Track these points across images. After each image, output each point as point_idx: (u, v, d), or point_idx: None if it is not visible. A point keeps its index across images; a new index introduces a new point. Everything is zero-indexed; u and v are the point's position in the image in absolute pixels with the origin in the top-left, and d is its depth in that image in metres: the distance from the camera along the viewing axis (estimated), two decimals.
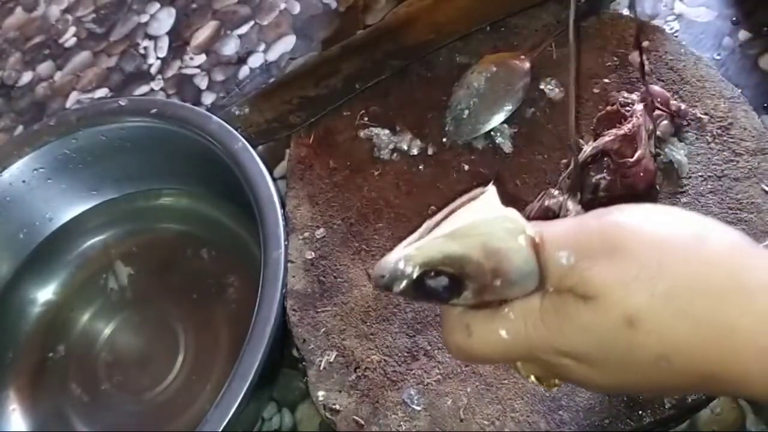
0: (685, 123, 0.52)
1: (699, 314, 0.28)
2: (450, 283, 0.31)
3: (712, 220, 0.31)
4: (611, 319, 0.29)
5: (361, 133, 0.59)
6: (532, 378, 0.35)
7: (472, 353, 0.33)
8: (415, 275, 0.30)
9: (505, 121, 0.56)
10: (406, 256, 0.31)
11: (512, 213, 0.31)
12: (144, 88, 0.73)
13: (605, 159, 0.48)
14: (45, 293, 0.63)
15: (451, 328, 0.33)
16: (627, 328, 0.29)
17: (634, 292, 0.29)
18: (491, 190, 0.33)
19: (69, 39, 0.79)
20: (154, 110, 0.59)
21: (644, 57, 0.51)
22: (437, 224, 0.32)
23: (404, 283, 0.31)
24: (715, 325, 0.28)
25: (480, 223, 0.31)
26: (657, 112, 0.50)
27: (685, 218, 0.31)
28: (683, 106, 0.52)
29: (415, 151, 0.57)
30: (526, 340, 0.31)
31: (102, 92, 0.74)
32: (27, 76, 0.78)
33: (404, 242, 0.32)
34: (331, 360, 0.50)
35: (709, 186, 0.50)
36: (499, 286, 0.31)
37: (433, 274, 0.30)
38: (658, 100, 0.50)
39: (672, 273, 0.29)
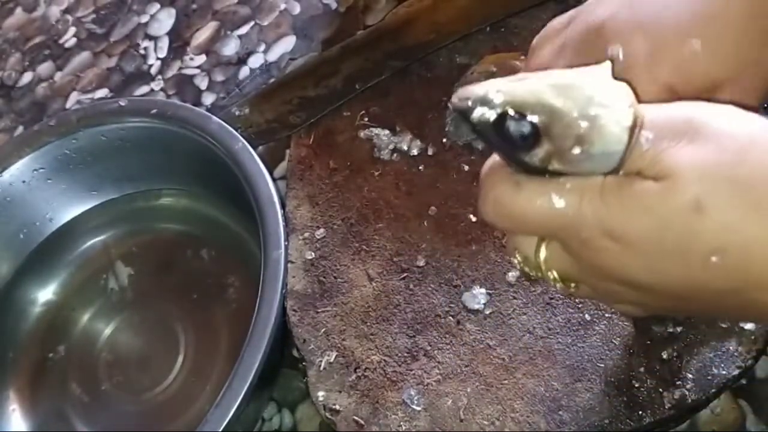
0: None
1: None
2: (529, 134, 0.28)
3: None
4: (679, 201, 0.28)
5: (361, 134, 0.59)
6: (554, 274, 0.33)
7: (512, 210, 0.31)
8: (500, 109, 0.28)
9: None
10: (500, 87, 0.28)
11: (626, 88, 0.29)
12: (144, 89, 0.73)
13: None
14: (45, 293, 0.63)
15: (495, 181, 0.31)
16: (692, 213, 0.28)
17: (711, 176, 0.28)
18: (607, 63, 0.30)
19: (69, 39, 0.79)
20: (154, 111, 0.59)
21: None
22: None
23: (486, 112, 0.28)
24: None
25: (590, 84, 0.28)
26: None
27: None
28: None
29: (415, 152, 0.57)
30: (576, 212, 0.29)
31: (102, 93, 0.74)
32: (27, 77, 0.78)
33: (499, 79, 0.29)
34: (331, 360, 0.50)
35: None
36: (574, 156, 0.28)
37: (518, 116, 0.28)
38: None
39: (752, 164, 0.28)
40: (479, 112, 0.28)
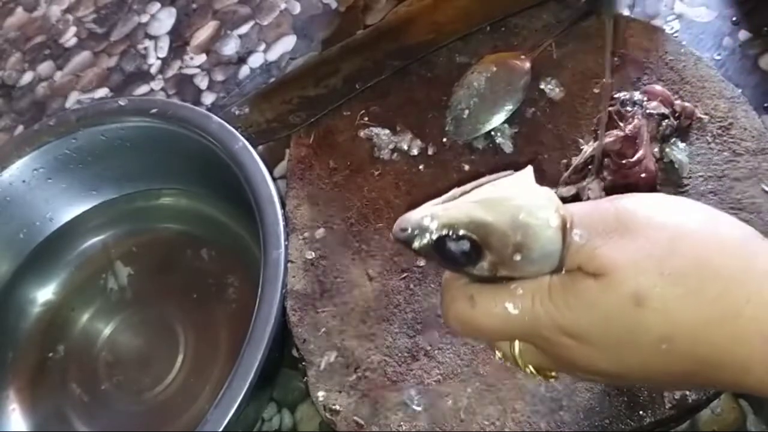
0: (689, 123, 0.52)
1: (707, 297, 0.28)
2: (470, 250, 0.30)
3: (723, 212, 0.31)
4: (619, 296, 0.29)
5: (361, 133, 0.59)
6: (530, 368, 0.35)
7: (472, 325, 0.32)
8: (437, 234, 0.30)
9: (505, 121, 0.56)
10: (433, 213, 0.30)
11: (549, 191, 0.31)
12: (144, 88, 0.73)
13: (606, 159, 0.48)
14: (45, 293, 0.63)
15: (453, 298, 0.33)
16: (634, 306, 0.29)
17: (643, 271, 0.29)
18: (529, 169, 0.32)
19: (69, 39, 0.79)
20: (154, 110, 0.59)
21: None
22: (464, 193, 0.32)
23: (425, 239, 0.30)
24: (722, 308, 0.28)
25: (514, 195, 0.30)
26: (661, 110, 0.50)
27: (698, 206, 0.31)
28: (688, 105, 0.52)
29: (415, 151, 0.57)
30: (531, 316, 0.31)
31: (102, 92, 0.74)
32: (27, 76, 0.78)
33: (429, 203, 0.32)
34: (331, 360, 0.50)
35: (709, 186, 0.50)
36: (517, 262, 0.30)
37: (455, 237, 0.30)
38: (660, 99, 0.50)
39: (683, 254, 0.29)
40: (419, 240, 0.31)
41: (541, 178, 0.30)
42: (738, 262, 0.29)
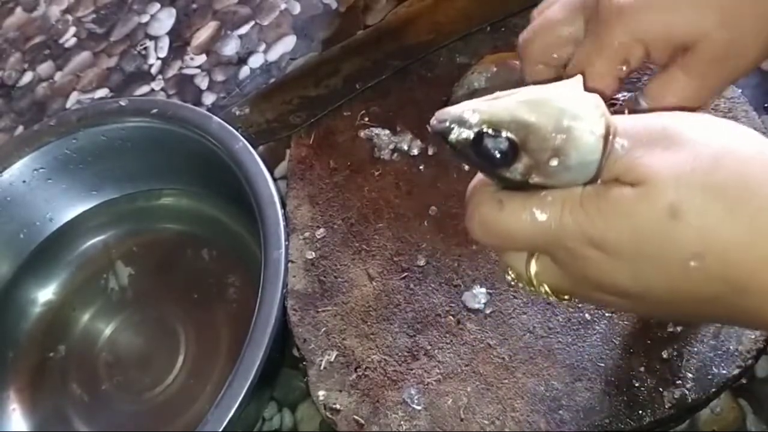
0: None
1: (744, 216, 0.28)
2: (507, 149, 0.29)
3: None
4: (655, 207, 0.28)
5: (362, 133, 0.59)
6: (545, 288, 0.33)
7: (497, 229, 0.31)
8: (477, 128, 0.29)
9: None
10: (476, 107, 0.29)
11: (597, 98, 0.30)
12: (144, 89, 0.73)
13: None
14: (45, 293, 0.63)
15: (479, 201, 0.32)
16: (669, 219, 0.28)
17: (684, 184, 0.28)
18: (578, 77, 0.31)
19: (69, 39, 0.79)
20: (154, 110, 0.59)
21: None
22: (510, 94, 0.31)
23: (464, 132, 0.29)
24: (757, 230, 0.28)
25: (561, 97, 0.29)
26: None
27: (746, 129, 0.30)
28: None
29: (415, 151, 0.58)
30: (558, 224, 0.30)
31: (102, 92, 0.74)
32: (27, 77, 0.78)
33: (475, 100, 0.30)
34: (332, 360, 0.50)
35: None
36: (553, 168, 0.29)
37: (494, 134, 0.29)
38: None
39: (726, 171, 0.28)
40: (457, 133, 0.30)
41: None
42: None
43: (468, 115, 0.29)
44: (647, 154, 0.29)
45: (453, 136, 0.30)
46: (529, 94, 0.30)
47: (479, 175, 0.33)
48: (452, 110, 0.30)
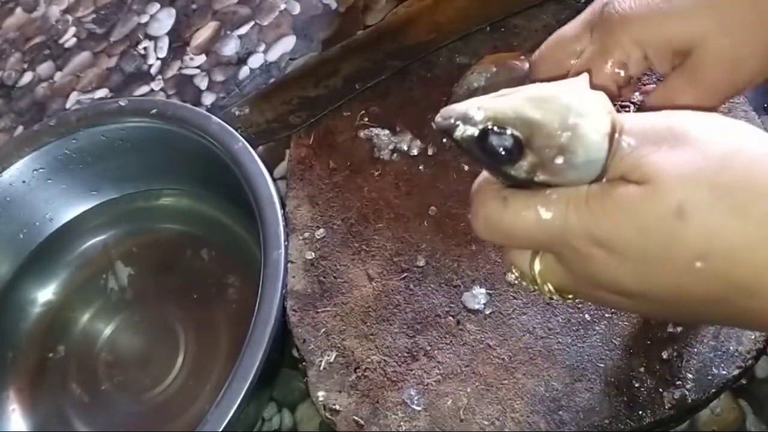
0: None
1: (750, 216, 0.28)
2: (512, 146, 0.29)
3: None
4: (661, 206, 0.28)
5: (361, 134, 0.59)
6: (549, 287, 0.33)
7: (501, 226, 0.31)
8: (482, 125, 0.29)
9: None
10: (481, 104, 0.29)
11: (603, 96, 0.30)
12: (144, 89, 0.73)
13: None
14: (45, 293, 0.63)
15: (484, 199, 0.32)
16: (675, 218, 0.28)
17: (691, 183, 0.28)
18: (585, 76, 0.31)
19: (69, 39, 0.79)
20: (154, 111, 0.59)
21: None
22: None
23: (469, 129, 0.29)
24: (764, 231, 0.27)
25: (567, 94, 0.29)
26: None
27: (755, 130, 0.30)
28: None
29: (415, 152, 0.57)
30: (562, 222, 0.30)
31: (102, 93, 0.74)
32: (27, 77, 0.78)
33: (481, 97, 0.30)
34: (331, 360, 0.50)
35: None
36: (558, 165, 0.29)
37: (499, 131, 0.29)
38: None
39: (733, 171, 0.28)
40: (462, 130, 0.29)
41: None
42: None
43: (473, 112, 0.29)
44: (654, 153, 0.29)
45: (458, 133, 0.30)
46: (534, 92, 0.30)
47: (484, 173, 0.33)
48: (457, 107, 0.30)
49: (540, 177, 0.30)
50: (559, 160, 0.29)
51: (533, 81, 0.37)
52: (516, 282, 0.35)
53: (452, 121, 0.30)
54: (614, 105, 0.31)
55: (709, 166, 0.28)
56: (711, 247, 0.28)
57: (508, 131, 0.29)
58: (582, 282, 0.32)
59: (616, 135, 0.29)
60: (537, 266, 0.33)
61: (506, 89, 0.31)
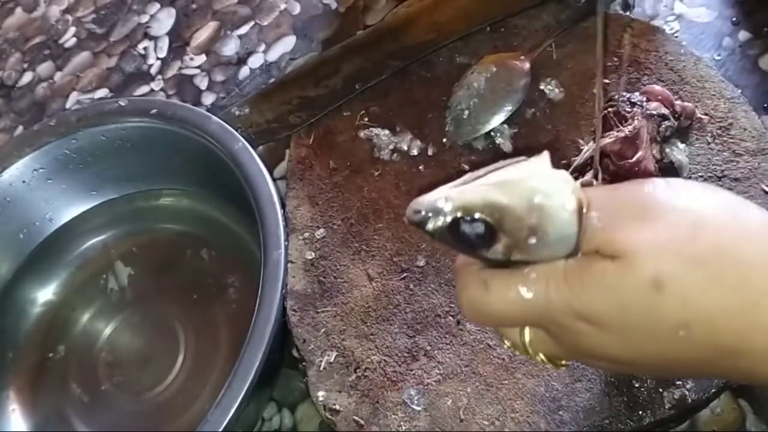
0: (690, 123, 0.52)
1: (727, 283, 0.28)
2: (485, 232, 0.30)
3: (746, 200, 0.31)
4: (637, 280, 0.28)
5: (361, 134, 0.59)
6: (541, 356, 0.34)
7: (486, 310, 0.32)
8: (451, 216, 0.30)
9: (505, 122, 0.56)
10: (448, 195, 0.30)
11: (565, 174, 0.30)
12: (144, 89, 0.73)
13: (605, 160, 0.48)
14: (45, 293, 0.63)
15: (465, 283, 0.32)
16: (652, 290, 0.28)
17: (664, 255, 0.28)
18: (545, 153, 0.32)
19: (69, 39, 0.79)
20: (154, 111, 0.59)
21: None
22: (478, 177, 0.31)
23: (439, 221, 0.30)
24: (742, 296, 0.28)
25: (531, 177, 0.30)
26: (661, 111, 0.50)
27: (721, 192, 0.31)
28: (689, 105, 0.51)
29: (415, 152, 0.57)
30: (544, 300, 0.30)
31: (102, 93, 0.74)
32: (27, 77, 0.78)
33: (443, 186, 0.31)
34: (331, 360, 0.50)
35: None
36: (532, 245, 0.30)
37: (469, 219, 0.30)
38: (660, 99, 0.50)
39: (704, 240, 0.28)
40: (433, 222, 0.30)
41: None
42: (759, 249, 0.28)
43: (441, 203, 0.30)
44: (624, 227, 0.29)
45: (430, 226, 0.30)
46: (498, 176, 0.31)
47: (462, 255, 0.34)
48: (425, 199, 0.30)
49: (516, 256, 0.31)
50: (532, 240, 0.30)
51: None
52: (510, 351, 0.36)
53: (423, 214, 0.30)
54: (580, 177, 0.31)
55: (680, 237, 0.29)
56: (691, 316, 0.28)
57: (478, 217, 0.30)
58: (572, 352, 0.33)
59: (584, 210, 0.30)
60: (527, 337, 0.34)
61: (468, 175, 0.31)
